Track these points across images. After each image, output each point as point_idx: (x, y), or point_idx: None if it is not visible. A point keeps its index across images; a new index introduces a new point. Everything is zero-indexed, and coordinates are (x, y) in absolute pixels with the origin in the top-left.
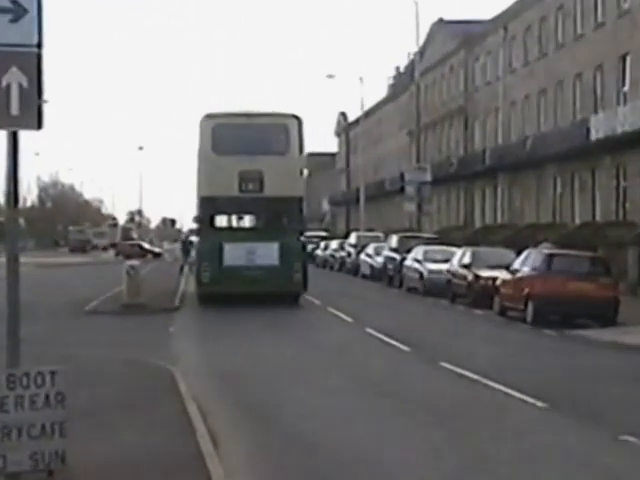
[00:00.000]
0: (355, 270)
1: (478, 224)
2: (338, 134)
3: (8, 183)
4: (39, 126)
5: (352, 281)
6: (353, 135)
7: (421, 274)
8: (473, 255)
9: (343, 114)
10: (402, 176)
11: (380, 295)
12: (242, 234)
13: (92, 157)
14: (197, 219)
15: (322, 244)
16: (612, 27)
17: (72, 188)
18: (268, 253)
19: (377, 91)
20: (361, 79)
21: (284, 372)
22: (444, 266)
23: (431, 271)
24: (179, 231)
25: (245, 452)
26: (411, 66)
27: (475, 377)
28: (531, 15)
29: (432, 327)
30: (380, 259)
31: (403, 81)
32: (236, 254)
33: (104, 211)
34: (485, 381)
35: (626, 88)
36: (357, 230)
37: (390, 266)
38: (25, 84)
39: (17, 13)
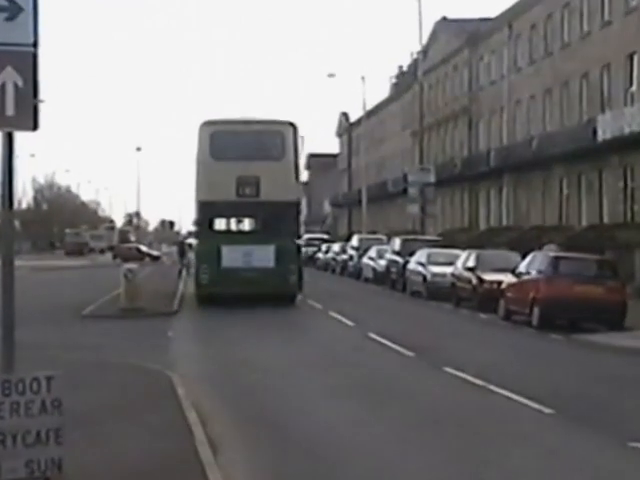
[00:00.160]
0: (357, 273)
1: (483, 226)
2: (340, 134)
3: (3, 185)
4: (35, 127)
5: (354, 285)
6: (355, 135)
7: (424, 277)
8: (478, 258)
9: (345, 114)
10: (405, 177)
11: (383, 299)
12: (239, 237)
13: (89, 158)
14: (196, 222)
15: (323, 247)
16: (619, 25)
17: (68, 190)
18: (264, 255)
19: (379, 91)
20: (363, 78)
21: (284, 378)
22: (448, 269)
23: (435, 274)
24: (178, 233)
25: (245, 459)
26: (414, 65)
27: (479, 382)
28: (536, 13)
29: (436, 331)
30: (383, 262)
31: (406, 80)
32: (234, 256)
33: (101, 213)
34: (490, 386)
35: (634, 87)
36: (359, 232)
37: (393, 269)
38: (20, 84)
39: (12, 11)
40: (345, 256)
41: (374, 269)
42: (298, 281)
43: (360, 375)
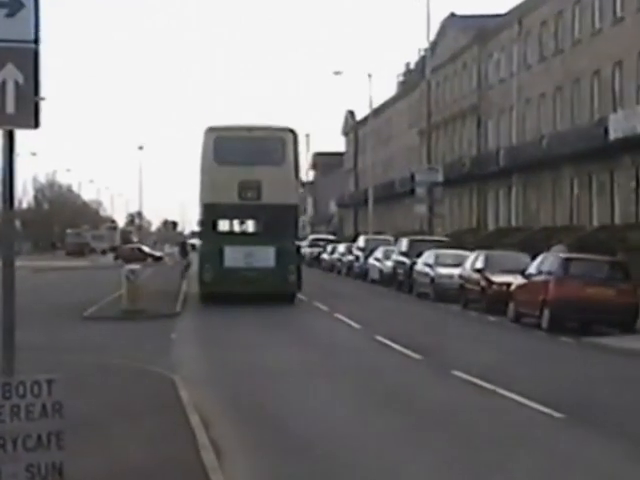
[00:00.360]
0: (363, 275)
1: (491, 227)
2: (346, 133)
3: (4, 184)
4: (36, 125)
5: (360, 286)
6: (361, 134)
7: (432, 279)
8: (486, 259)
9: (351, 112)
10: (412, 177)
11: (389, 301)
12: (241, 238)
13: (90, 157)
14: (200, 224)
15: (329, 247)
16: (631, 22)
17: (70, 189)
18: (265, 256)
19: (386, 88)
20: (370, 76)
21: (289, 381)
22: (456, 271)
23: (442, 276)
24: (181, 234)
25: (249, 464)
26: (422, 62)
27: (488, 386)
28: (547, 9)
29: (444, 334)
30: (389, 263)
31: (413, 78)
32: (235, 256)
33: (103, 213)
34: (499, 390)
35: None
36: (365, 233)
37: (400, 271)
38: (21, 81)
39: (13, 7)
40: (351, 257)
41: (380, 270)
42: (297, 281)
43: (366, 378)
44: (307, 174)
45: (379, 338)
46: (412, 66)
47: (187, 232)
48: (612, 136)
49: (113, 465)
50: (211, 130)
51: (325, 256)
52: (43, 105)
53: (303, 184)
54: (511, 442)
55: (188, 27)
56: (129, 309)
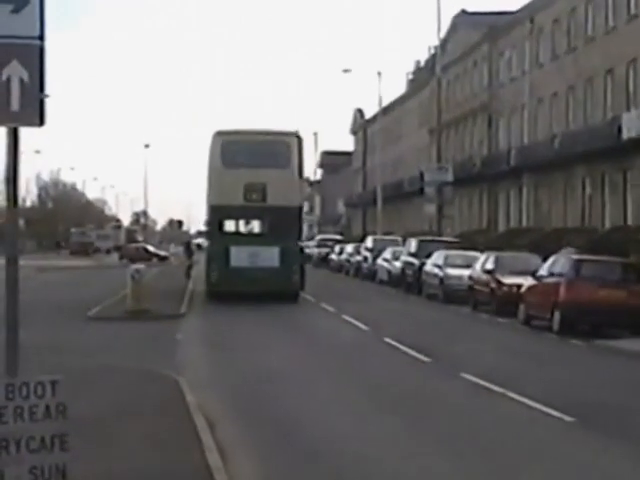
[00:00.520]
0: (372, 276)
1: (502, 228)
2: (354, 132)
3: (8, 182)
4: (41, 122)
5: (368, 287)
6: (370, 133)
7: (441, 280)
8: (496, 260)
9: (360, 111)
10: (422, 176)
11: (398, 302)
12: (247, 239)
13: (95, 155)
14: (207, 224)
15: (337, 248)
16: None
17: (74, 188)
18: (269, 256)
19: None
20: (379, 74)
21: (296, 383)
22: (466, 272)
23: (452, 277)
24: (186, 233)
25: (255, 467)
26: (432, 60)
27: (498, 389)
28: (560, 6)
29: (453, 336)
30: (398, 264)
31: (423, 76)
32: (241, 256)
33: (107, 212)
34: (508, 394)
35: None
36: (374, 233)
37: (409, 272)
38: (26, 78)
39: (18, 3)
40: (359, 257)
41: (389, 271)
42: (300, 280)
43: (374, 381)
44: (315, 173)
45: (387, 340)
46: (422, 64)
47: (193, 231)
48: (625, 135)
49: (117, 467)
50: (219, 134)
51: (333, 256)
52: (47, 102)
53: (311, 183)
54: (521, 446)
55: (195, 24)
56: (134, 309)
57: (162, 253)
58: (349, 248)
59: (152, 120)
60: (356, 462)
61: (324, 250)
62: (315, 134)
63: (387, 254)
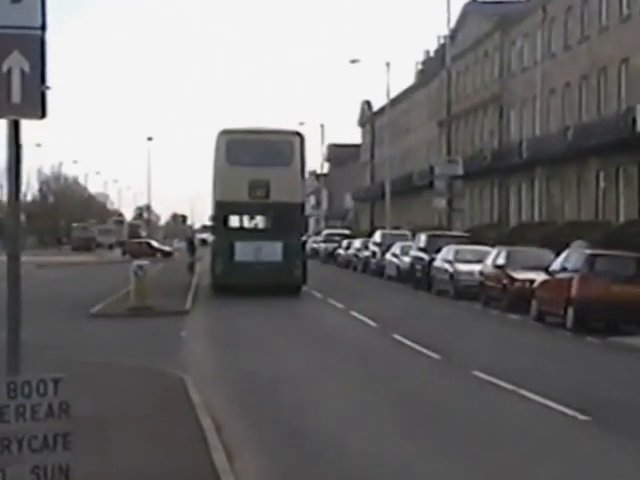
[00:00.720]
0: (380, 271)
1: (513, 222)
2: (362, 124)
3: (9, 176)
4: (42, 115)
5: (377, 283)
6: (378, 125)
7: (451, 276)
8: (508, 255)
9: (368, 102)
10: (431, 170)
11: (407, 298)
12: (251, 234)
13: (97, 148)
14: (212, 220)
15: (344, 243)
16: None
17: (76, 182)
18: (273, 251)
19: (405, 77)
20: (387, 64)
21: (304, 382)
22: (476, 267)
23: (462, 272)
24: (190, 228)
25: (262, 468)
26: (442, 50)
27: (510, 387)
28: None
29: (464, 333)
30: (407, 259)
31: (433, 67)
32: (245, 251)
33: (110, 206)
34: (521, 391)
35: None
36: (382, 228)
37: (418, 267)
38: (27, 69)
39: None
40: (367, 253)
41: (398, 267)
42: (302, 274)
43: (384, 379)
44: (322, 166)
45: (397, 337)
46: (432, 54)
47: (197, 226)
48: None
49: (121, 467)
50: (224, 133)
51: (340, 252)
52: (49, 94)
53: (317, 177)
54: (534, 445)
55: (199, 16)
56: (137, 306)
57: (166, 248)
58: (357, 243)
59: (155, 113)
60: (365, 462)
61: (331, 245)
62: (322, 126)
63: (396, 249)
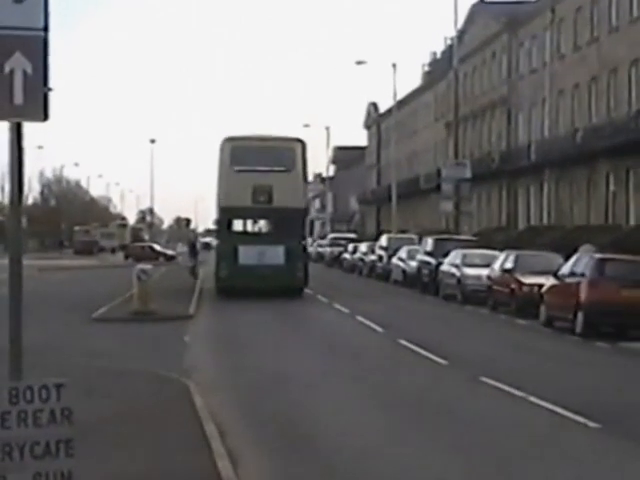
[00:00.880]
0: (386, 276)
1: (522, 225)
2: (368, 126)
3: (12, 179)
4: (45, 117)
5: (383, 288)
6: (384, 127)
7: (459, 280)
8: (516, 259)
9: (374, 104)
10: (438, 172)
11: (414, 303)
12: (254, 238)
13: (99, 151)
14: (216, 224)
15: (350, 247)
16: None
17: (78, 184)
18: (275, 254)
19: (411, 79)
20: (394, 66)
21: (309, 387)
22: (484, 271)
23: (470, 277)
24: (193, 232)
25: (267, 475)
26: (449, 52)
27: (519, 394)
28: None
29: (471, 338)
30: (414, 264)
31: (440, 68)
32: (249, 254)
33: (112, 210)
34: (530, 398)
35: None
36: (389, 232)
37: (425, 271)
38: (30, 71)
39: None
40: (373, 257)
41: (404, 271)
42: (304, 276)
43: (390, 385)
44: (327, 169)
45: (403, 342)
46: (439, 55)
47: (201, 229)
48: None
49: (124, 475)
50: (228, 140)
51: (346, 256)
52: (51, 96)
53: (323, 180)
54: (543, 453)
55: (202, 17)
56: (140, 310)
57: (169, 252)
58: (363, 247)
59: (158, 115)
60: (373, 473)
61: (337, 249)
62: (327, 129)
63: (402, 253)
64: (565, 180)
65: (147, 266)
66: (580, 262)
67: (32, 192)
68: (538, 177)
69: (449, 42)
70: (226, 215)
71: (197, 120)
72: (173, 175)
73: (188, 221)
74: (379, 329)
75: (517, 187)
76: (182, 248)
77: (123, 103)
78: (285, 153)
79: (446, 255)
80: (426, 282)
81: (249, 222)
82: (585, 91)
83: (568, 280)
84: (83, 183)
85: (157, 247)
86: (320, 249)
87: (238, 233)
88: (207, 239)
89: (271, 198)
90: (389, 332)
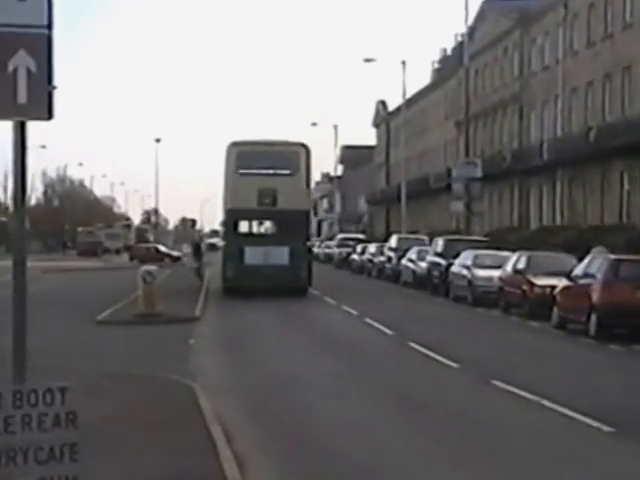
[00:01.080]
0: (396, 277)
1: (534, 225)
2: (377, 125)
3: (15, 180)
4: (49, 116)
5: (392, 289)
6: (394, 126)
7: (470, 281)
8: (528, 260)
9: (383, 102)
10: (449, 172)
11: (424, 305)
12: (259, 239)
13: (104, 151)
14: (223, 226)
15: (359, 248)
16: None
17: (81, 184)
18: (280, 255)
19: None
20: (403, 63)
21: (317, 391)
22: (495, 273)
23: (481, 278)
24: (198, 233)
25: (274, 478)
26: (459, 48)
27: (531, 397)
28: None
29: (482, 341)
30: (424, 265)
31: (450, 65)
32: (254, 255)
33: (117, 210)
34: (543, 402)
35: None
36: (398, 232)
37: (435, 273)
38: (33, 69)
39: None
40: (382, 258)
41: (414, 272)
42: (308, 277)
43: (400, 389)
44: (335, 168)
45: (412, 345)
46: (449, 52)
47: (207, 230)
48: None
49: (130, 479)
50: (234, 145)
51: (355, 257)
52: (55, 95)
53: (331, 179)
54: (556, 458)
55: (208, 16)
56: (145, 313)
57: (174, 253)
58: (372, 248)
59: (164, 114)
60: (382, 477)
61: (345, 250)
62: (335, 127)
63: (412, 254)
64: (578, 179)
65: (152, 267)
66: (594, 263)
67: (35, 192)
68: (551, 176)
69: (459, 39)
70: (232, 217)
71: (203, 119)
72: (179, 175)
73: (194, 222)
74: (388, 331)
75: (529, 186)
76: (188, 249)
77: (128, 102)
78: (289, 157)
79: (457, 256)
80: (436, 284)
81: (254, 224)
82: (599, 88)
83: (581, 281)
84: (87, 183)
85: (162, 248)
86: (328, 250)
87: (244, 234)
88: (213, 240)
89: (276, 200)
90: (398, 334)
